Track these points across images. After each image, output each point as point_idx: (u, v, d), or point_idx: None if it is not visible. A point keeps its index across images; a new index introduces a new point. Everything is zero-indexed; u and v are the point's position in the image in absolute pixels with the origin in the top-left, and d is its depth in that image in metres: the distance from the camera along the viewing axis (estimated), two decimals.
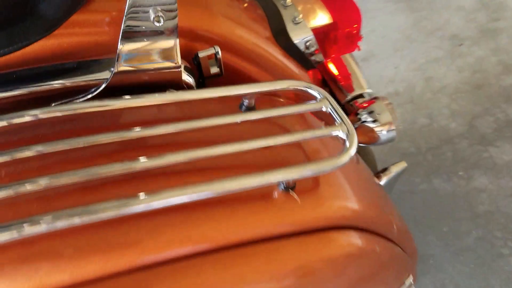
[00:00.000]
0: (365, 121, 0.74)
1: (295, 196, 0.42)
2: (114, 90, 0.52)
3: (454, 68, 1.68)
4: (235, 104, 0.51)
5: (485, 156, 1.43)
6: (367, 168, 0.71)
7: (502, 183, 1.35)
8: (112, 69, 0.50)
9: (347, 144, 0.45)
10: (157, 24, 0.48)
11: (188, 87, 0.56)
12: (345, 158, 0.43)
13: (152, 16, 0.48)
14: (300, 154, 0.48)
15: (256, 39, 0.68)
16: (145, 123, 0.46)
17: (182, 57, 0.59)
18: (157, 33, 0.50)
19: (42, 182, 0.35)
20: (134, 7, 0.47)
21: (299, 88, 0.50)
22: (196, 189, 0.36)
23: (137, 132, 0.42)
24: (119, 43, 0.49)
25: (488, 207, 1.31)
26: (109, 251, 0.35)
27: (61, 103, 0.51)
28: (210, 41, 0.62)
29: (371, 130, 0.73)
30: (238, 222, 0.39)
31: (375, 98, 0.74)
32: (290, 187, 0.42)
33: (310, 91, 0.50)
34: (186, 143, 0.46)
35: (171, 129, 0.43)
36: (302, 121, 0.51)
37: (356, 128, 0.74)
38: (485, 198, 1.34)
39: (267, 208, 0.40)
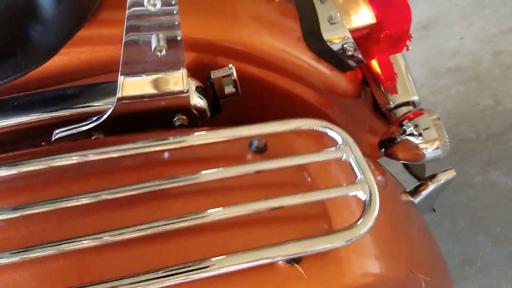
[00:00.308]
0: (411, 134, 0.65)
1: (301, 270, 0.37)
2: (119, 117, 0.48)
3: None
4: (244, 143, 0.45)
5: None
6: (397, 190, 0.64)
7: None
8: (115, 95, 0.46)
9: (368, 208, 0.39)
10: (159, 54, 0.43)
11: (199, 110, 0.52)
12: (363, 229, 0.37)
13: (153, 45, 0.42)
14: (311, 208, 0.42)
15: (285, 45, 0.61)
16: (149, 169, 0.43)
17: (198, 73, 0.54)
18: (161, 63, 0.44)
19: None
20: (132, 33, 0.41)
21: (316, 129, 0.44)
22: (194, 268, 0.34)
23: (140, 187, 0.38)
24: (119, 75, 0.44)
25: None
26: None
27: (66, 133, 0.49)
28: (232, 53, 0.57)
29: (416, 146, 0.65)
30: None
31: (422, 109, 0.65)
32: (295, 260, 0.38)
33: (330, 133, 0.44)
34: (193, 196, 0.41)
35: (176, 183, 0.39)
36: (317, 170, 0.45)
37: (399, 142, 0.66)
38: None
39: (268, 285, 0.36)
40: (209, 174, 0.40)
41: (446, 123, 1.36)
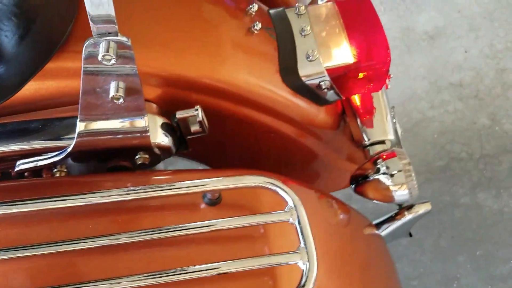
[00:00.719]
0: (383, 174, 0.65)
1: None
2: (80, 152, 0.49)
3: None
4: (199, 194, 0.46)
5: None
6: (360, 224, 0.64)
7: None
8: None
9: (304, 278, 0.39)
10: (117, 102, 0.43)
11: (162, 148, 0.52)
12: None
13: (111, 93, 0.42)
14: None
15: (261, 80, 0.60)
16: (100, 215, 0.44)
17: (170, 108, 0.54)
18: (120, 110, 0.45)
19: None
20: (88, 84, 0.42)
21: (269, 188, 0.44)
22: None
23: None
24: (77, 120, 0.45)
25: None
26: None
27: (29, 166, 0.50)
28: (205, 89, 0.57)
29: (386, 187, 0.65)
30: None
31: (395, 151, 0.65)
32: None
33: (280, 193, 0.44)
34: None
35: (124, 239, 0.40)
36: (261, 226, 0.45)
37: (370, 180, 0.67)
38: None
39: None
40: (158, 232, 0.40)
41: (441, 139, 1.35)
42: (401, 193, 0.65)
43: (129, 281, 0.37)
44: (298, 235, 0.42)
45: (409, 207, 0.76)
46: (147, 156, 0.51)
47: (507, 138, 1.34)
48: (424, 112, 1.38)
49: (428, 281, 1.15)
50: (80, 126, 0.45)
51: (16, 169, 0.50)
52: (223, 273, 0.39)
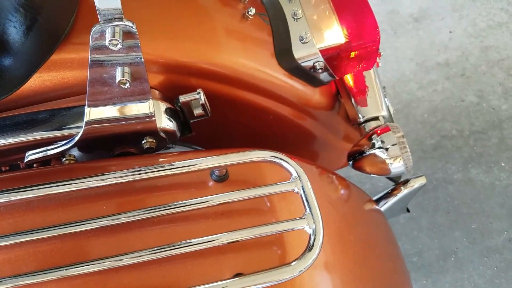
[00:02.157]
0: (379, 148, 0.68)
1: None
2: (88, 140, 0.51)
3: None
4: (206, 171, 0.48)
5: None
6: (361, 199, 0.66)
7: None
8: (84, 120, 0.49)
9: (311, 242, 0.41)
10: (124, 87, 0.45)
11: (168, 132, 0.54)
12: (305, 264, 0.40)
13: (117, 78, 0.44)
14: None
15: (258, 64, 0.62)
16: (110, 196, 0.45)
17: (172, 94, 0.56)
18: (126, 94, 0.46)
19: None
20: (96, 69, 0.43)
21: (272, 161, 0.46)
22: None
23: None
24: (85, 106, 0.47)
25: None
26: None
27: (38, 156, 0.52)
28: (205, 74, 0.58)
29: (383, 161, 0.67)
30: None
31: (388, 126, 0.67)
32: None
33: (285, 165, 0.46)
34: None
35: (137, 216, 0.41)
36: (268, 199, 0.47)
37: (367, 155, 0.69)
38: None
39: None
40: (170, 208, 0.42)
41: (431, 118, 1.38)
42: (396, 165, 0.67)
43: (148, 254, 0.39)
44: (303, 204, 0.44)
45: (405, 182, 0.79)
46: (153, 140, 0.53)
47: (495, 113, 1.38)
48: (413, 93, 1.41)
49: (427, 257, 1.18)
50: (88, 112, 0.47)
51: (26, 159, 0.51)
52: (235, 241, 0.40)
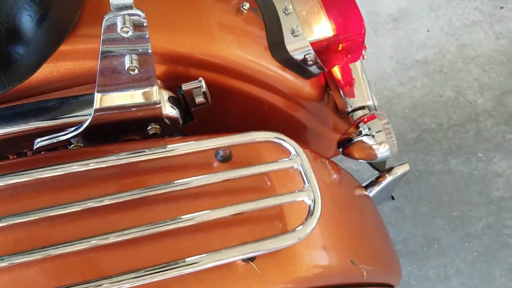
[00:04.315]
0: (366, 135, 0.72)
1: (255, 267, 0.44)
2: (96, 127, 0.53)
3: (491, 34, 1.54)
4: (211, 152, 0.51)
5: (509, 138, 1.36)
6: (351, 185, 0.70)
7: None
8: (92, 108, 0.51)
9: (311, 214, 0.45)
10: (132, 73, 0.48)
11: (172, 120, 0.57)
12: (306, 231, 0.43)
13: (127, 65, 0.47)
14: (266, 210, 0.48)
15: (252, 55, 0.66)
16: (120, 178, 0.48)
17: (173, 84, 0.59)
18: (134, 80, 0.49)
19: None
20: (107, 55, 0.46)
21: (272, 140, 0.50)
22: (158, 270, 0.39)
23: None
24: (95, 92, 0.49)
25: (503, 193, 1.28)
26: None
27: (47, 142, 0.54)
28: (203, 64, 0.62)
29: (370, 147, 0.72)
30: None
31: (375, 114, 0.72)
32: (250, 259, 0.44)
33: (284, 144, 0.50)
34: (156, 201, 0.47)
35: (144, 193, 0.44)
36: (271, 174, 0.51)
37: (355, 142, 0.73)
38: (502, 183, 1.30)
39: (227, 282, 0.42)
40: (181, 184, 0.45)
41: (412, 113, 1.44)
42: (382, 150, 0.71)
43: (160, 226, 0.41)
44: (302, 178, 0.47)
45: (389, 170, 0.83)
46: (158, 126, 0.55)
47: (471, 107, 1.45)
48: (394, 90, 1.47)
49: (412, 245, 1.23)
50: (97, 98, 0.49)
51: (35, 147, 0.53)
52: (239, 213, 0.43)
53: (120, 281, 0.38)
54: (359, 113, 0.75)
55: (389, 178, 0.83)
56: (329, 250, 0.51)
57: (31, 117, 0.53)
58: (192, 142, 0.48)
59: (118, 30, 0.43)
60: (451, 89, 1.48)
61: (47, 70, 0.54)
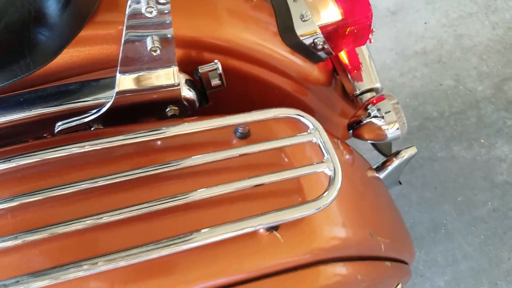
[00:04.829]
0: (375, 117, 0.73)
1: (278, 236, 0.45)
2: (116, 109, 0.55)
3: (487, 24, 1.57)
4: (230, 130, 0.52)
5: (510, 124, 1.38)
6: (363, 166, 0.72)
7: None
8: (114, 90, 0.53)
9: (332, 183, 0.46)
10: (154, 54, 0.49)
11: (189, 101, 0.58)
12: (326, 200, 0.44)
13: (149, 46, 0.48)
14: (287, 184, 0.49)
15: (263, 40, 0.67)
16: (141, 155, 0.49)
17: (187, 68, 0.60)
18: (155, 61, 0.51)
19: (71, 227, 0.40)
20: (130, 36, 0.47)
21: (291, 116, 0.51)
22: (187, 239, 0.40)
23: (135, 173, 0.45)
24: (117, 73, 0.51)
25: (506, 178, 1.30)
26: None
27: (68, 125, 0.55)
28: (216, 49, 0.63)
29: (379, 127, 0.73)
30: (223, 265, 0.42)
31: (384, 95, 0.74)
32: (273, 228, 0.45)
33: (302, 120, 0.51)
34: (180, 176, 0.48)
35: (165, 168, 0.45)
36: (292, 150, 0.52)
37: (364, 124, 0.74)
38: (505, 168, 1.32)
39: (251, 250, 0.43)
40: (201, 158, 0.46)
41: (413, 102, 1.46)
42: (392, 130, 0.73)
43: (188, 197, 0.42)
44: (322, 151, 0.49)
45: (396, 153, 0.85)
46: (176, 108, 0.57)
47: (471, 95, 1.47)
48: (395, 80, 1.50)
49: (419, 230, 1.25)
50: (119, 80, 0.51)
51: (56, 130, 0.55)
52: (260, 185, 0.44)
53: (155, 248, 0.39)
54: (368, 95, 0.77)
55: (396, 162, 0.84)
56: (348, 222, 0.52)
57: (52, 101, 0.54)
58: (213, 119, 0.49)
59: (143, 10, 0.45)
60: (450, 78, 1.50)
61: (67, 55, 0.56)
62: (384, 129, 0.73)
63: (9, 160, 0.44)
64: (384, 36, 1.59)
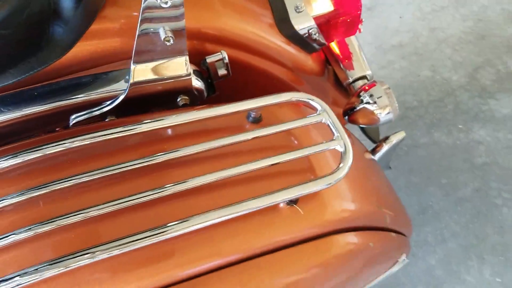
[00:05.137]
0: (367, 103, 0.77)
1: (299, 209, 0.48)
2: (130, 100, 0.56)
3: (458, 17, 1.66)
4: (242, 115, 0.55)
5: (485, 109, 1.46)
6: (362, 149, 0.76)
7: (499, 135, 1.41)
8: (127, 82, 0.54)
9: (344, 158, 0.49)
10: (167, 44, 0.51)
11: (198, 91, 0.61)
12: (341, 173, 0.47)
13: (162, 36, 0.50)
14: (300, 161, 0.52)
15: (260, 30, 0.70)
16: (158, 142, 0.51)
17: (192, 59, 0.62)
18: (168, 51, 0.53)
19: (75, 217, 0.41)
20: (145, 25, 0.49)
21: (301, 100, 0.54)
22: (209, 215, 0.42)
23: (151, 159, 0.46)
24: (131, 64, 0.52)
25: (485, 159, 1.37)
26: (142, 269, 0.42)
27: (83, 118, 0.57)
28: (217, 40, 0.65)
29: (372, 112, 0.77)
30: (250, 237, 0.45)
31: (375, 81, 0.78)
32: (293, 201, 0.48)
33: (312, 103, 0.54)
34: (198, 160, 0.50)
35: (184, 152, 0.47)
36: (302, 133, 0.55)
37: (358, 110, 0.78)
38: (483, 150, 1.39)
39: (273, 222, 0.46)
40: (220, 141, 0.48)
41: (394, 93, 1.52)
42: (384, 114, 0.77)
43: (211, 177, 0.44)
44: (331, 130, 0.52)
45: (385, 139, 0.89)
46: (187, 97, 0.59)
47: (447, 84, 1.55)
48: (375, 73, 1.55)
49: (408, 213, 1.30)
50: (133, 70, 0.53)
51: (71, 123, 0.56)
52: (278, 163, 0.47)
53: (195, 221, 0.41)
54: (360, 82, 0.81)
55: (385, 147, 0.88)
56: (358, 195, 0.55)
57: (66, 94, 0.56)
58: (227, 105, 0.51)
59: (158, 1, 0.47)
60: (427, 68, 1.57)
61: (78, 49, 0.57)
62: (377, 114, 0.77)
63: (28, 153, 0.45)
64: (363, 31, 1.65)
